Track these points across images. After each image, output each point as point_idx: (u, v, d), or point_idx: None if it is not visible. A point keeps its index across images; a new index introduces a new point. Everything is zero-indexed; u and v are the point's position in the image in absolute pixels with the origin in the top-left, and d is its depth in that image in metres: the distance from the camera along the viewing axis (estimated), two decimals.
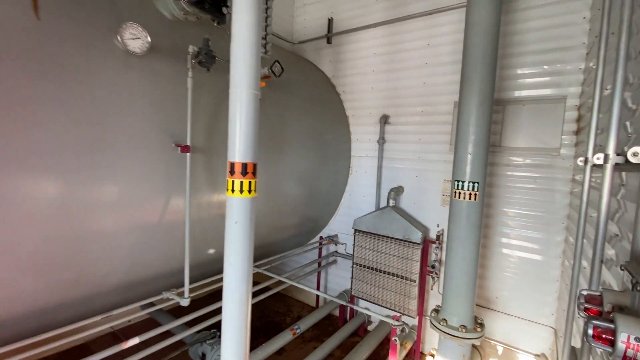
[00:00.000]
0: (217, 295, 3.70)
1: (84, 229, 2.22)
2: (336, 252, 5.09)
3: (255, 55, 1.61)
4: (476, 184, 2.92)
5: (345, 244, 4.99)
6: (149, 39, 2.30)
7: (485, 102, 2.91)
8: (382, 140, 4.56)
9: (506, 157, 3.69)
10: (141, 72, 2.41)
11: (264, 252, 4.19)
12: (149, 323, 3.48)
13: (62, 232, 2.13)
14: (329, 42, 5.11)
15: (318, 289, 5.16)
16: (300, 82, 4.39)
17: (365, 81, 4.79)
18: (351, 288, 4.47)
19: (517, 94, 3.62)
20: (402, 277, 3.93)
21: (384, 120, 4.53)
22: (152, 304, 3.25)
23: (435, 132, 4.17)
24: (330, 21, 5.06)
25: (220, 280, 3.36)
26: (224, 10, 2.61)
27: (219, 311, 3.06)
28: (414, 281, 3.83)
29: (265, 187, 3.54)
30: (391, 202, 4.19)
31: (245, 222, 1.67)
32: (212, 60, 2.58)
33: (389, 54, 4.51)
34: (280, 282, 3.94)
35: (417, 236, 3.79)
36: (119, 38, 2.19)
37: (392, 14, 4.42)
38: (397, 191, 4.29)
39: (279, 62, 2.93)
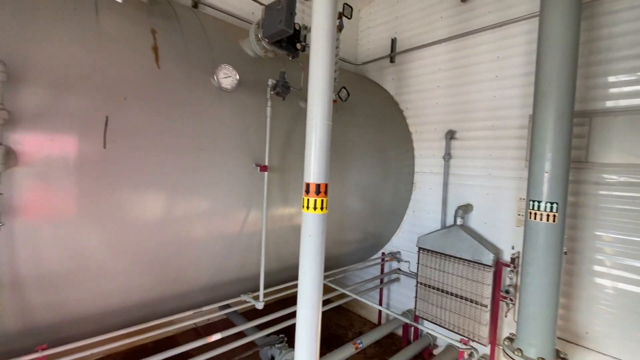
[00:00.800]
0: (286, 302, 3.99)
1: (182, 235, 2.67)
2: (399, 269, 5.04)
3: (328, 92, 1.85)
4: (555, 205, 2.71)
5: (409, 262, 4.91)
6: (238, 76, 2.72)
7: (564, 117, 2.72)
8: (447, 156, 4.46)
9: (595, 174, 3.32)
10: (231, 105, 2.85)
11: (327, 264, 4.38)
12: (225, 323, 3.89)
13: (166, 237, 2.59)
14: (392, 61, 5.24)
15: (380, 305, 5.14)
16: (363, 101, 4.58)
17: (429, 97, 4.78)
18: (415, 308, 4.37)
19: (607, 104, 3.27)
20: (471, 301, 3.74)
21: (450, 135, 4.44)
22: (228, 306, 3.65)
23: (507, 147, 3.95)
24: (393, 41, 5.20)
25: (291, 287, 3.68)
26: (298, 45, 2.95)
27: (288, 317, 3.33)
28: (485, 306, 3.61)
29: (330, 202, 3.76)
30: (459, 221, 4.05)
31: (318, 235, 1.87)
32: (287, 90, 2.91)
33: (455, 69, 4.45)
34: (342, 296, 4.07)
35: (488, 258, 3.60)
36: (215, 77, 2.65)
37: (458, 29, 4.38)
38: (465, 209, 4.13)
39: (345, 88, 3.16)
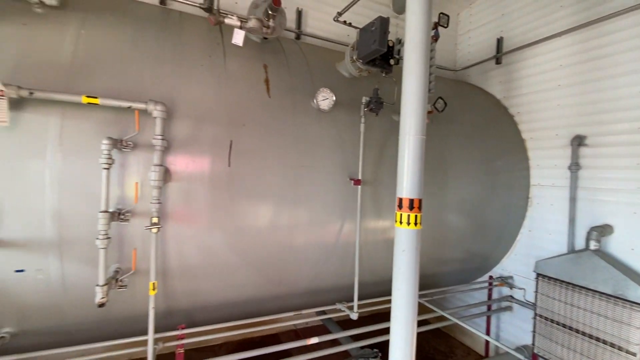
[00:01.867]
0: (380, 316, 3.95)
1: (285, 242, 2.98)
2: (511, 297, 4.39)
3: (421, 107, 1.84)
4: None
5: (524, 289, 4.24)
6: (334, 97, 2.94)
7: None
8: (575, 167, 3.74)
9: None
10: (328, 124, 3.08)
11: (423, 283, 4.15)
12: (321, 329, 4.09)
13: (273, 243, 2.93)
14: (498, 62, 4.75)
15: (487, 335, 4.55)
16: (463, 109, 4.27)
17: (548, 98, 4.13)
18: (533, 344, 3.73)
19: None
20: (612, 345, 2.99)
21: (578, 141, 3.72)
22: (324, 312, 3.82)
23: None
24: (499, 41, 4.72)
25: (385, 302, 3.64)
26: (391, 61, 3.00)
27: (381, 332, 3.29)
28: (634, 354, 2.83)
29: (426, 217, 3.59)
30: (593, 245, 3.32)
31: (412, 251, 1.85)
32: (381, 105, 2.98)
33: (582, 63, 3.75)
34: (441, 318, 3.79)
35: (637, 294, 2.84)
36: (314, 101, 2.92)
37: (587, 17, 3.70)
38: (602, 231, 3.36)
39: (442, 99, 3.04)
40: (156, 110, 2.21)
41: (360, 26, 3.00)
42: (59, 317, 2.39)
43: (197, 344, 3.22)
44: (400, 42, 3.34)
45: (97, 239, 2.04)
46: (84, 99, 2.02)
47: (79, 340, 2.57)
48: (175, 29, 2.83)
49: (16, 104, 2.01)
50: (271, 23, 2.78)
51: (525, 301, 4.16)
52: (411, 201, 1.83)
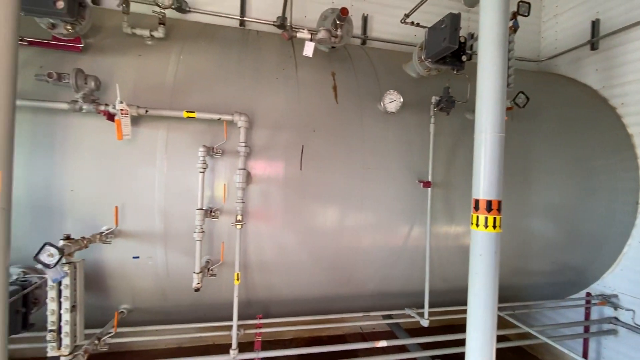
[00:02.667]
0: (452, 327, 3.73)
1: (353, 243, 3.04)
2: (615, 318, 3.75)
3: (500, 103, 1.74)
4: None
5: (633, 311, 3.59)
6: (402, 99, 2.92)
7: None
8: None
9: None
10: (395, 125, 3.08)
11: (503, 295, 3.80)
12: (388, 335, 4.01)
13: (341, 244, 3.02)
14: (593, 48, 4.15)
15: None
16: (549, 103, 3.83)
17: None
18: None
19: None
20: None
21: None
22: (390, 317, 3.76)
23: None
24: (594, 23, 4.13)
25: (458, 312, 3.44)
26: (463, 57, 2.87)
27: (453, 344, 3.13)
28: None
29: (504, 223, 3.31)
30: None
31: (490, 255, 1.75)
32: (452, 104, 2.87)
33: None
34: (525, 335, 3.42)
35: None
36: (381, 103, 2.95)
37: None
38: None
39: (523, 93, 2.80)
40: (240, 121, 2.50)
41: (429, 25, 2.95)
42: (162, 298, 2.82)
43: (270, 336, 3.46)
44: (472, 36, 3.17)
45: (194, 232, 2.37)
46: (185, 114, 2.38)
47: (175, 320, 2.99)
48: (253, 47, 3.14)
49: (134, 121, 2.47)
50: (339, 32, 2.90)
51: (634, 325, 3.51)
52: (489, 202, 1.74)
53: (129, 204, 2.51)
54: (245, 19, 3.91)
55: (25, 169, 2.39)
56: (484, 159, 1.75)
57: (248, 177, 2.61)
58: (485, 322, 1.85)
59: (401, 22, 3.57)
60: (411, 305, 3.42)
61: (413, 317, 3.21)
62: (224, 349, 2.90)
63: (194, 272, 2.37)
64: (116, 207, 2.41)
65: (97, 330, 2.46)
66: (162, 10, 2.70)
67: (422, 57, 2.99)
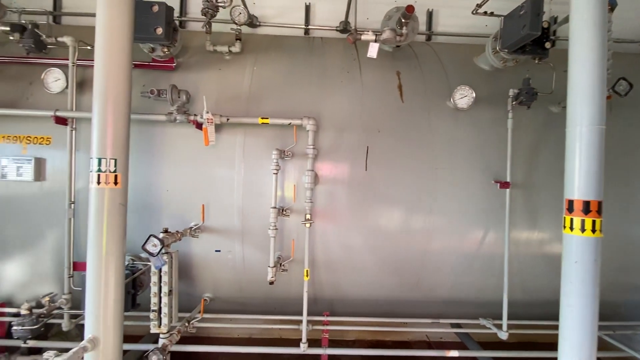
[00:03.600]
0: (534, 345, 3.36)
1: (420, 246, 2.95)
2: None
3: (600, 90, 1.54)
4: None
5: None
6: (474, 94, 2.76)
7: None
8: None
9: None
10: (466, 123, 2.92)
11: (601, 313, 3.31)
12: (457, 345, 3.74)
13: (408, 246, 2.95)
14: None
15: None
16: None
17: None
18: None
19: None
20: None
21: None
22: (459, 325, 3.51)
23: None
24: None
25: (542, 327, 3.09)
26: (547, 44, 2.61)
27: None
28: None
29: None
30: None
31: (588, 264, 1.55)
32: (533, 97, 2.62)
33: None
34: None
35: None
36: (451, 100, 2.82)
37: None
38: None
39: (625, 79, 2.43)
40: (309, 124, 2.62)
41: (504, 13, 2.73)
42: (238, 289, 3.07)
43: (332, 335, 3.50)
44: (556, 21, 2.86)
45: (269, 229, 2.55)
46: (260, 120, 2.59)
47: (249, 311, 3.22)
48: (318, 53, 3.26)
49: (217, 128, 2.75)
50: (404, 30, 2.85)
51: None
52: (586, 203, 1.54)
53: (212, 203, 2.80)
54: (309, 27, 4.07)
55: (131, 173, 2.81)
56: (579, 155, 1.56)
57: (316, 178, 2.71)
58: (583, 340, 1.64)
59: (473, 12, 3.36)
60: (485, 316, 3.18)
61: (489, 328, 2.98)
62: (290, 342, 3.04)
63: (269, 266, 2.54)
64: (202, 205, 2.71)
65: (186, 314, 2.79)
66: (239, 27, 2.97)
67: (497, 48, 2.79)
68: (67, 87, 2.74)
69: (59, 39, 2.68)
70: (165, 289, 2.30)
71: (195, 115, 2.57)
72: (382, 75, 3.12)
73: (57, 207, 2.75)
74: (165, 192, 2.79)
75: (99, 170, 1.74)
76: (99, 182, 1.74)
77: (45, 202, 2.77)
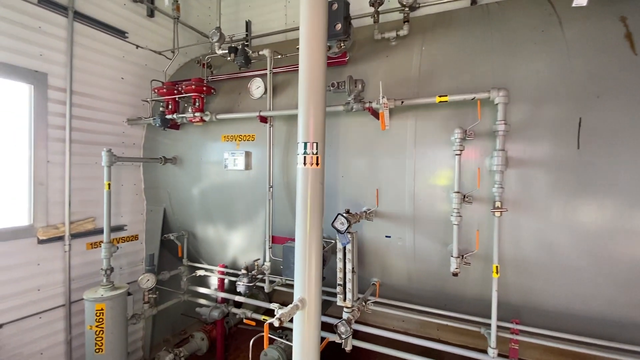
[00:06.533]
0: None
1: None
2: None
3: None
4: None
5: None
6: None
7: None
8: None
9: None
10: None
11: None
12: None
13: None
14: None
15: None
16: None
17: None
18: None
19: None
20: None
21: None
22: None
23: None
24: None
25: None
26: None
27: None
28: None
29: None
30: None
31: None
32: None
33: None
34: None
35: None
36: None
37: None
38: None
39: None
40: (499, 96, 2.27)
41: None
42: (407, 278, 2.99)
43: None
44: None
45: (452, 216, 2.36)
46: (437, 99, 2.42)
47: (416, 303, 3.09)
48: (498, 19, 2.81)
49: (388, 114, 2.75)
50: None
51: None
52: None
53: (384, 188, 2.83)
54: None
55: None
56: None
57: (506, 160, 2.32)
58: None
59: None
60: None
61: None
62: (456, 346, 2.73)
63: (452, 256, 2.35)
64: (377, 190, 2.76)
65: (360, 295, 2.91)
66: (405, 8, 2.89)
67: None
68: (265, 92, 3.33)
69: (260, 52, 3.28)
70: (349, 267, 2.45)
71: (370, 102, 2.64)
72: (597, 25, 2.40)
73: (260, 191, 3.38)
74: (340, 178, 3.00)
75: (305, 152, 1.99)
76: (304, 163, 1.99)
77: (252, 187, 3.46)
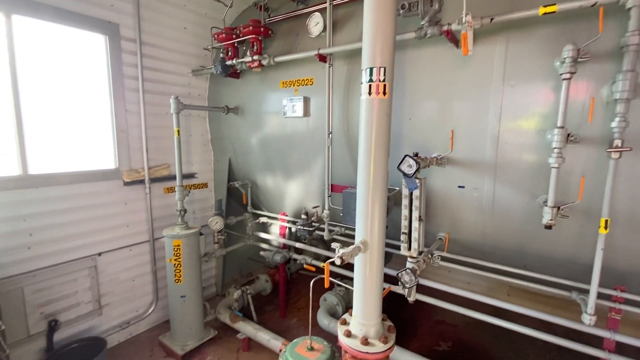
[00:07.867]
0: None
1: None
2: None
3: None
4: None
5: None
6: None
7: None
8: None
9: None
10: None
11: None
12: None
13: None
14: None
15: None
16: None
17: None
18: None
19: None
20: None
21: None
22: None
23: None
24: None
25: None
26: None
27: None
28: None
29: None
30: None
31: None
32: None
33: None
34: None
35: None
36: None
37: None
38: None
39: None
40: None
41: None
42: (481, 235, 2.67)
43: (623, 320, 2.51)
44: None
45: (550, 157, 1.94)
46: (541, 10, 1.90)
47: (492, 261, 2.77)
48: None
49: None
50: None
51: None
52: None
53: (460, 130, 2.45)
54: None
55: None
56: None
57: (638, 87, 1.78)
58: None
59: None
60: None
61: None
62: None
63: (547, 206, 1.97)
64: (452, 131, 2.41)
65: (425, 249, 2.70)
66: None
67: None
68: (324, 29, 3.04)
69: None
70: (416, 214, 2.23)
71: (449, 24, 2.21)
72: None
73: (318, 138, 3.25)
74: (407, 121, 2.69)
75: (370, 80, 1.74)
76: (369, 93, 1.75)
77: (311, 134, 3.33)
